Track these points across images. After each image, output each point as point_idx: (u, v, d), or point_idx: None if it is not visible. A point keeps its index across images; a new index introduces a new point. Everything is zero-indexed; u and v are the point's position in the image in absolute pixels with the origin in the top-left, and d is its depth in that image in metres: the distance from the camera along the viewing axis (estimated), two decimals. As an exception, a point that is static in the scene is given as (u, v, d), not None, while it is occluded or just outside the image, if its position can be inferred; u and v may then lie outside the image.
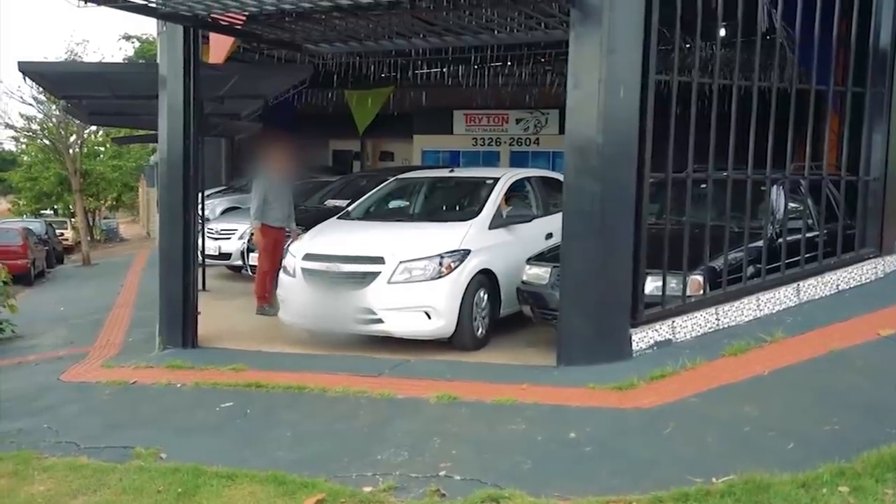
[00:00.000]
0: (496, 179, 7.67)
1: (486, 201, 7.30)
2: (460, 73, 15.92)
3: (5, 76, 57.74)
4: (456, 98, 17.93)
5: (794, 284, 6.46)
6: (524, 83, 16.01)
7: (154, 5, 6.32)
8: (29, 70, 9.96)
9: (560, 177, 7.83)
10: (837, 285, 6.67)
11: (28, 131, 27.36)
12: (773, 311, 6.29)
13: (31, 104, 23.96)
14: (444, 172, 9.11)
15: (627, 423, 4.68)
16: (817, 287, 6.57)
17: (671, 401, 4.90)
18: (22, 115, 30.05)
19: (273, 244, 8.44)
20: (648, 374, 5.30)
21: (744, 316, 6.19)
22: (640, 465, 4.10)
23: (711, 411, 4.71)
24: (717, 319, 6.10)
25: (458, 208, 8.08)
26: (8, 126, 26.40)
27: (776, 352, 5.51)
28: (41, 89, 17.42)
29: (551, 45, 11.28)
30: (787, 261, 6.45)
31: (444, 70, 16.07)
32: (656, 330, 5.91)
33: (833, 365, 5.23)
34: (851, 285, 6.73)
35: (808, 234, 6.70)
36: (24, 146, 33.42)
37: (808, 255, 6.61)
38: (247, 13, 6.86)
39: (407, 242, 6.81)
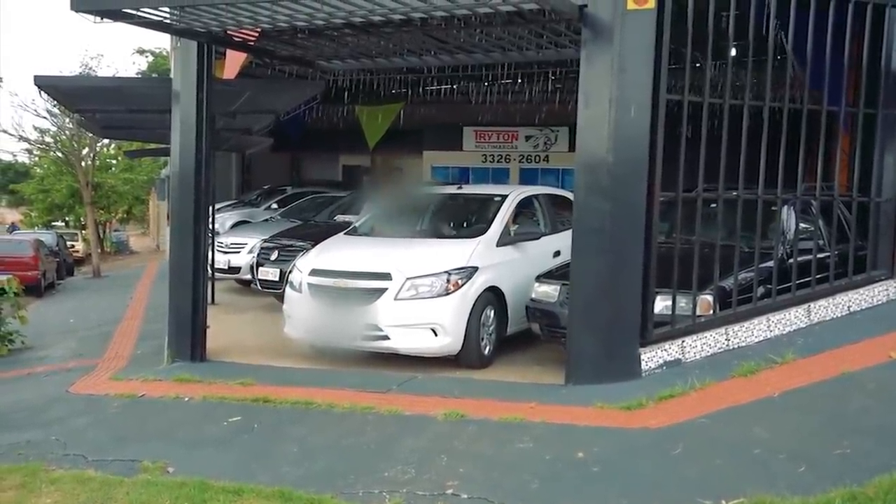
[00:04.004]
0: (504, 197, 7.66)
1: (493, 218, 7.29)
2: (470, 90, 16.00)
3: (20, 89, 58.46)
4: (466, 114, 18.02)
5: (805, 305, 6.42)
6: (534, 100, 16.07)
7: (169, 21, 6.39)
8: (44, 84, 10.07)
9: (568, 194, 7.85)
10: (849, 307, 6.62)
11: (41, 144, 27.54)
12: (784, 332, 6.26)
13: (45, 117, 24.11)
14: (453, 189, 9.12)
15: (636, 444, 4.65)
16: (828, 308, 6.53)
17: (680, 421, 4.87)
18: (36, 128, 30.20)
19: None
20: (657, 394, 5.27)
21: (754, 336, 6.16)
22: (648, 485, 4.07)
23: (721, 433, 4.67)
24: (727, 340, 6.07)
25: (465, 225, 8.07)
26: (22, 138, 26.50)
27: (787, 373, 5.47)
28: (55, 103, 17.60)
29: (562, 62, 11.30)
30: (797, 281, 6.42)
31: (455, 87, 16.15)
32: (666, 349, 5.89)
33: (844, 387, 5.18)
34: (863, 307, 6.68)
35: (820, 255, 6.66)
36: (37, 158, 33.66)
37: (819, 276, 6.57)
38: (260, 29, 6.93)
39: (414, 259, 6.80)
